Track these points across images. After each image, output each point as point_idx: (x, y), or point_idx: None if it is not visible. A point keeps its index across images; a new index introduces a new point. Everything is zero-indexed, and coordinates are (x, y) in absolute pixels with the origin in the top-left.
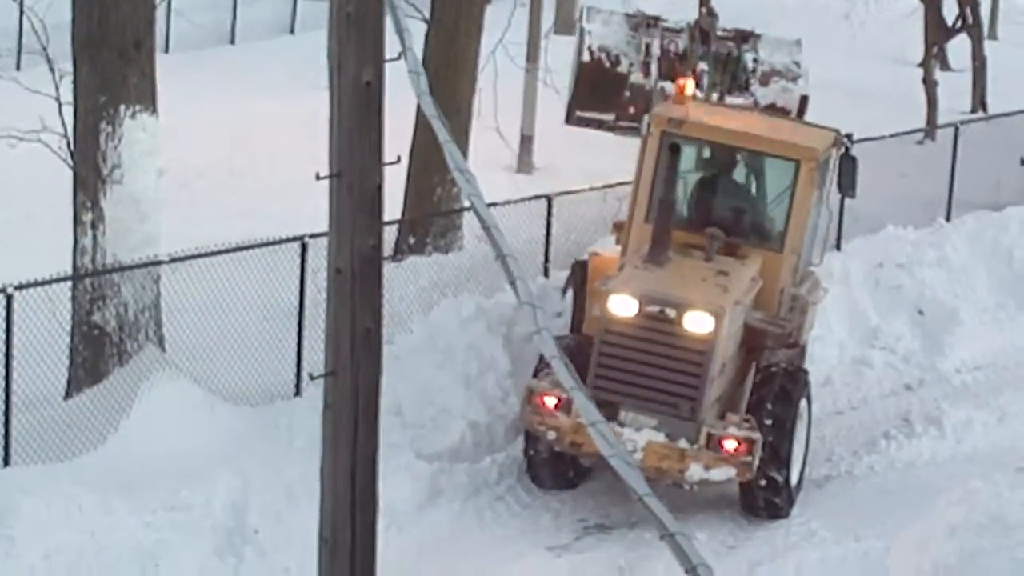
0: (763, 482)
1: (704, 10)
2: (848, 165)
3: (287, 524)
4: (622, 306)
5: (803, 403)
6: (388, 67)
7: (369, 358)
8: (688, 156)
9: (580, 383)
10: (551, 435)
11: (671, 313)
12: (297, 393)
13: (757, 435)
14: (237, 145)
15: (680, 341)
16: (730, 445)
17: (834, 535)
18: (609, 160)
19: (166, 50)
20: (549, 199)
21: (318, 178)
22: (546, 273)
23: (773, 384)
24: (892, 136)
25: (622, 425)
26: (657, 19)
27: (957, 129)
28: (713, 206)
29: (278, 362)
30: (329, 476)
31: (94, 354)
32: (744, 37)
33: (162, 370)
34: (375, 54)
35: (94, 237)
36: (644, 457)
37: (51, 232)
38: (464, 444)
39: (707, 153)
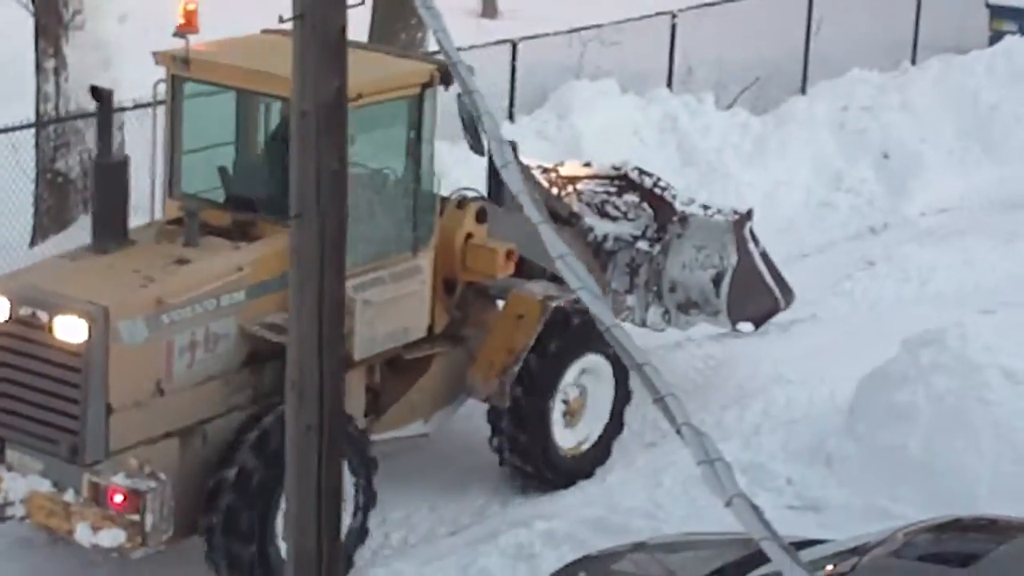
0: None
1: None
2: (462, 112)
3: None
4: None
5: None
6: None
7: (335, 200)
8: (212, 107)
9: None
10: None
11: (43, 317)
12: None
13: (150, 485)
14: None
15: (52, 354)
16: (118, 499)
17: (800, 376)
18: (575, 4)
19: None
20: (514, 44)
21: (281, 20)
22: (511, 118)
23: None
24: None
25: (10, 469)
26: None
27: None
28: (240, 173)
29: None
30: (295, 318)
31: (59, 202)
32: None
33: None
34: None
35: (57, 84)
36: (30, 512)
37: (15, 80)
38: None
39: (225, 101)
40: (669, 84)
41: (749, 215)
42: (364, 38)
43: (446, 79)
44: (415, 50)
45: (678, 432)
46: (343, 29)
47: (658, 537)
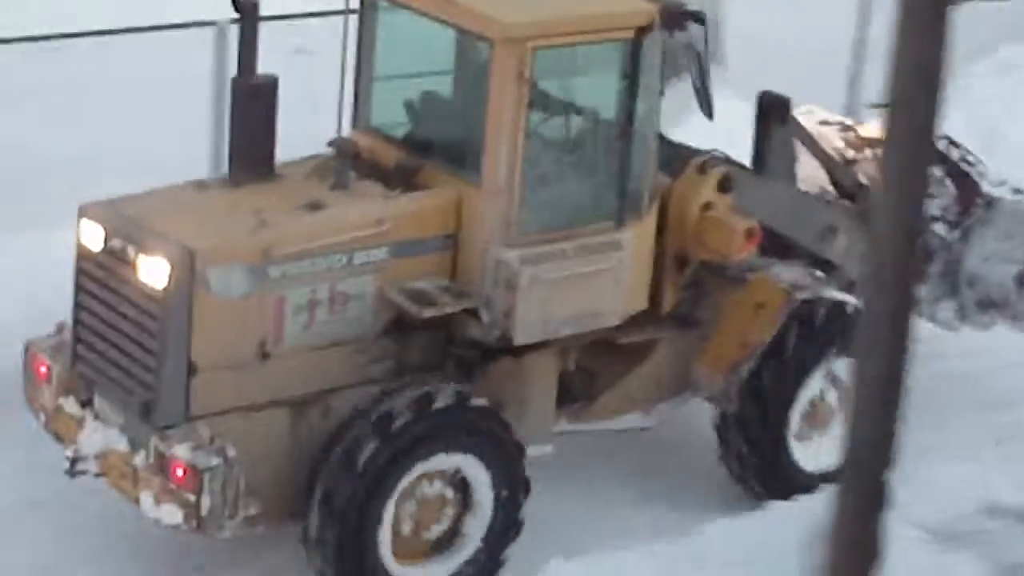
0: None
1: None
2: (693, 63)
3: None
4: (89, 235)
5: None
6: None
7: (925, 92)
8: (405, 38)
9: None
10: (42, 418)
11: (131, 253)
12: None
13: (212, 462)
14: None
15: (136, 296)
16: (179, 472)
17: None
18: None
19: None
20: None
21: None
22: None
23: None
24: None
25: (97, 418)
26: None
27: None
28: (423, 110)
29: None
30: (884, 196)
31: None
32: None
33: None
34: None
35: None
36: (104, 470)
37: None
38: None
39: (419, 31)
40: None
41: None
42: None
43: (672, 23)
44: None
45: None
46: None
47: None
